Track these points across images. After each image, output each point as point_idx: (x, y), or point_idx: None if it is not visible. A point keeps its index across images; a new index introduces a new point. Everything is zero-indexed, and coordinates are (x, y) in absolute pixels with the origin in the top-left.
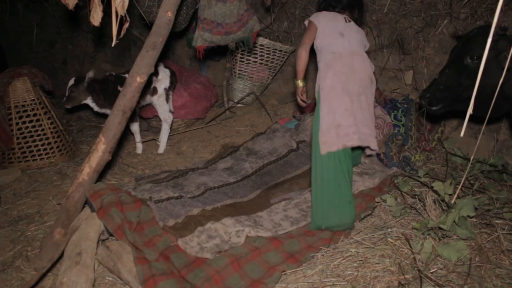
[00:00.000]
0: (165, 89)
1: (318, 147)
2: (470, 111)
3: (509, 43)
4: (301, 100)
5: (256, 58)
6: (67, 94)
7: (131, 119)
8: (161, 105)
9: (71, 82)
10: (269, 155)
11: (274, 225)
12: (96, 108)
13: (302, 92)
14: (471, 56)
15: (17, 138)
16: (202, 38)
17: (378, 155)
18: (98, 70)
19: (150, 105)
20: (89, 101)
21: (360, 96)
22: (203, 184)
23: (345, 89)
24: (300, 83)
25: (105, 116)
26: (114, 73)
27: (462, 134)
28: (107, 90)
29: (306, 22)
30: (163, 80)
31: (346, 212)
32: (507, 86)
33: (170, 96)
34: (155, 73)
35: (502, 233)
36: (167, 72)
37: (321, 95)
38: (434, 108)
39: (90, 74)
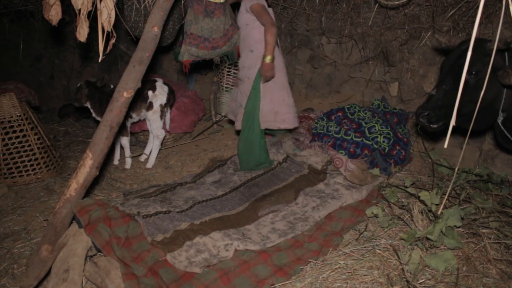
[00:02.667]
0: (160, 105)
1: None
2: (452, 122)
3: (502, 58)
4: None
5: None
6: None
7: (121, 134)
8: (155, 121)
9: (79, 84)
10: (257, 168)
11: (262, 238)
12: (93, 114)
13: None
14: (470, 71)
15: (3, 154)
16: (188, 53)
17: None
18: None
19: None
20: (88, 105)
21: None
22: (191, 198)
23: (284, 84)
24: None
25: (92, 131)
26: (112, 86)
27: (446, 146)
28: (102, 100)
29: (256, 6)
30: (159, 96)
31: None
32: (497, 100)
33: (166, 114)
34: (152, 88)
35: (488, 243)
36: (165, 88)
37: (263, 85)
38: (434, 126)
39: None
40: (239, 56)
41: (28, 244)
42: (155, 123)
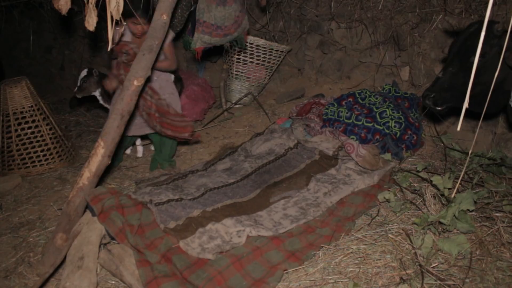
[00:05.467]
0: None
1: None
2: (466, 105)
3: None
4: None
5: (252, 58)
6: (78, 85)
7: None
8: None
9: (84, 73)
10: (267, 155)
11: (275, 224)
12: (101, 101)
13: None
14: (476, 53)
15: (17, 145)
16: (201, 41)
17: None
18: None
19: None
20: (97, 93)
21: None
22: (203, 185)
23: None
24: None
25: (103, 120)
26: None
27: (458, 128)
28: None
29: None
30: None
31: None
32: (506, 82)
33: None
34: None
35: (502, 226)
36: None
37: None
38: (439, 108)
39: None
40: (246, 41)
41: (43, 233)
42: None
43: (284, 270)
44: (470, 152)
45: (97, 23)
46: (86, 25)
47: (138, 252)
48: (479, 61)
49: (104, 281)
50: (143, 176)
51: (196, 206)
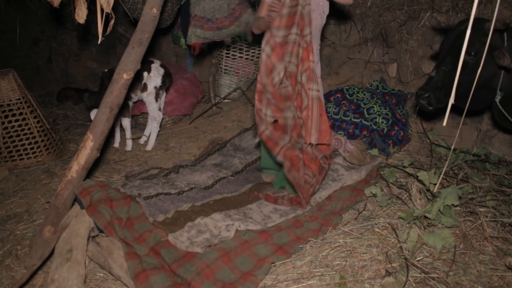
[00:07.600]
0: (155, 87)
1: None
2: (452, 101)
3: (501, 38)
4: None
5: (242, 53)
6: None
7: (123, 115)
8: (150, 102)
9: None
10: (257, 150)
11: (264, 217)
12: None
13: None
14: (469, 52)
15: (4, 138)
16: (195, 35)
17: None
18: (83, 69)
19: (137, 102)
20: None
21: None
22: (193, 182)
23: None
24: None
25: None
26: (106, 70)
27: (444, 124)
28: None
29: None
30: (154, 78)
31: None
32: (494, 79)
33: (162, 96)
34: (148, 69)
35: (485, 221)
36: (161, 71)
37: None
38: (433, 108)
39: None
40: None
41: (30, 226)
42: (151, 105)
43: (272, 263)
44: (452, 147)
45: (86, 15)
46: (76, 17)
47: (126, 245)
48: (471, 59)
49: (93, 274)
50: (131, 170)
51: (185, 200)
